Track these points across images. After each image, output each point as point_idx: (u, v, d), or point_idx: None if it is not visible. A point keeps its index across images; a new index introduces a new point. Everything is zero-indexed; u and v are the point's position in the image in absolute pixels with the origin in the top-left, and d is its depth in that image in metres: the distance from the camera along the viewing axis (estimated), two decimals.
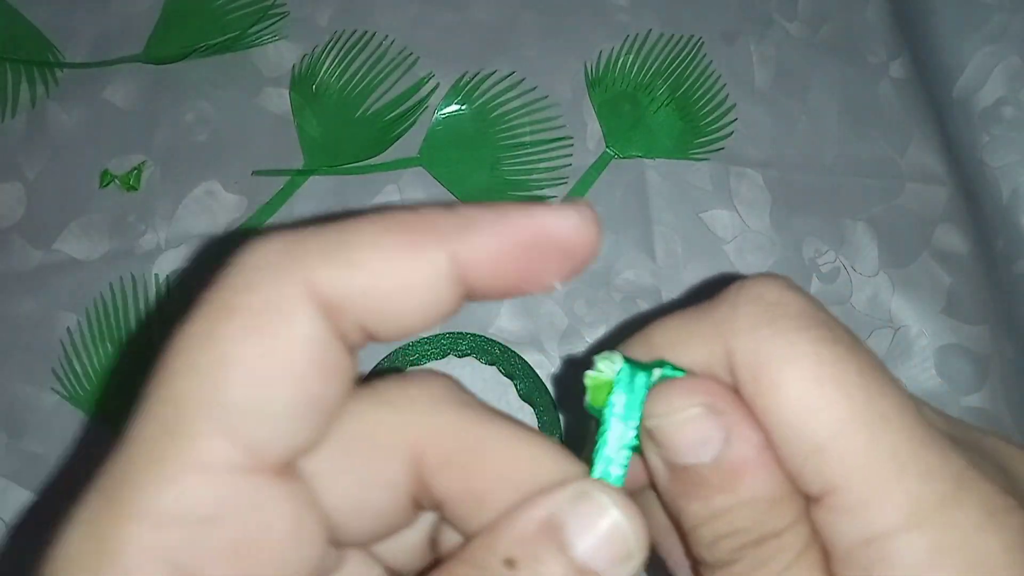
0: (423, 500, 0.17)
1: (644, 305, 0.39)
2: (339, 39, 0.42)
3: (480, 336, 0.37)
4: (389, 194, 0.40)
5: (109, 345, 0.37)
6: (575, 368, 0.38)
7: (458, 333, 0.37)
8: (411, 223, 0.16)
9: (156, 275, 0.39)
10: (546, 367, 0.38)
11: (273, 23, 0.42)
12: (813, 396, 0.16)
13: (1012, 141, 0.41)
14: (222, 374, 0.15)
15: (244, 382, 0.15)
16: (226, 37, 0.41)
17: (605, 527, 0.16)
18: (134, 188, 0.40)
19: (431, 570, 0.17)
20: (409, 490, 0.17)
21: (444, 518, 0.18)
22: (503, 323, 0.38)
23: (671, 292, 0.39)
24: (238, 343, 0.15)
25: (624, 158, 0.41)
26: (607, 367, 0.19)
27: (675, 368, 0.19)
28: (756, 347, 0.17)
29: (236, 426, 0.15)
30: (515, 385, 0.37)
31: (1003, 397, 0.38)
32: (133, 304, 0.38)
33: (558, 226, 0.16)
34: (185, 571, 0.14)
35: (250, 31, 0.42)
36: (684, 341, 0.18)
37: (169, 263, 0.39)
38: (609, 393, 0.19)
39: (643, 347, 0.19)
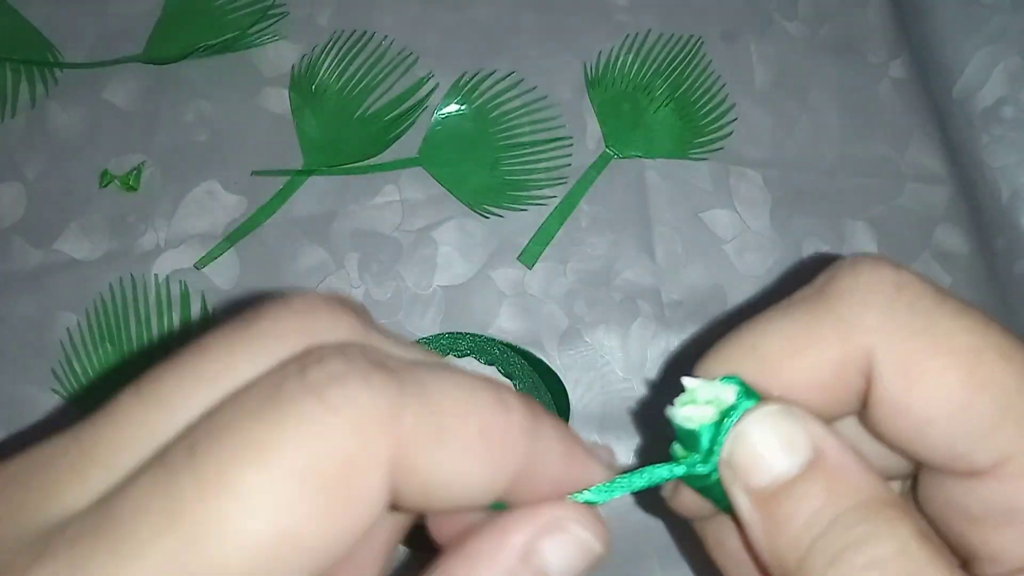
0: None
1: (644, 305, 0.39)
2: (338, 39, 0.42)
3: (480, 336, 0.37)
4: (388, 194, 0.40)
5: (109, 345, 0.37)
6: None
7: (458, 334, 0.37)
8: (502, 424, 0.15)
9: (156, 275, 0.39)
10: None
11: (273, 23, 0.43)
12: (981, 375, 0.16)
13: (1012, 141, 0.41)
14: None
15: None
16: (226, 37, 0.41)
17: (577, 554, 0.16)
18: (134, 188, 0.40)
19: None
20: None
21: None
22: (503, 323, 0.38)
23: (671, 292, 0.39)
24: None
25: (624, 158, 0.41)
26: (707, 394, 0.17)
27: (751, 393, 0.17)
28: (905, 339, 0.17)
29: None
30: (514, 385, 0.37)
31: None
32: (133, 304, 0.38)
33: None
34: None
35: (250, 31, 0.42)
36: (803, 345, 0.17)
37: (169, 263, 0.39)
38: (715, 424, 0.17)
39: (746, 358, 0.18)
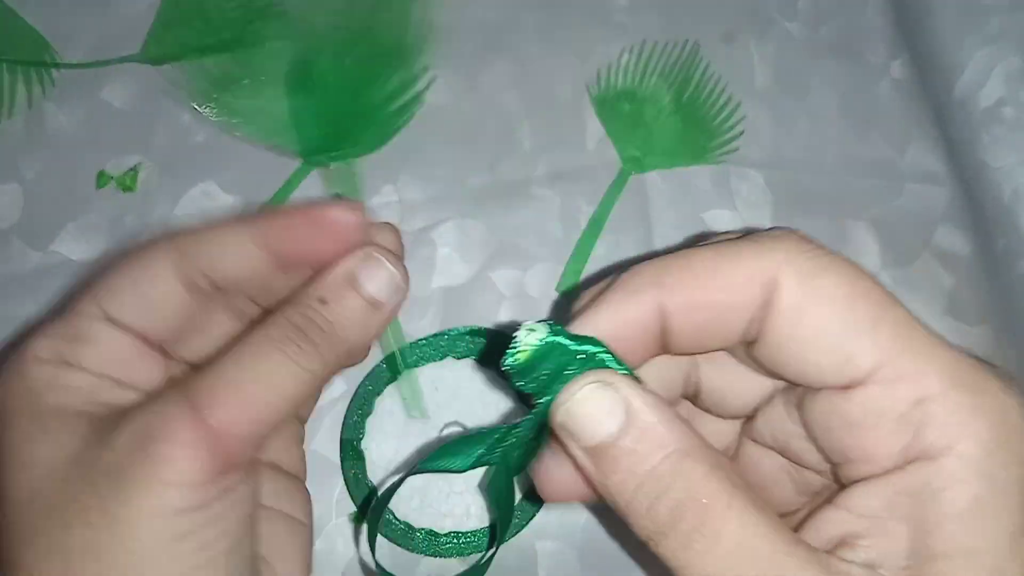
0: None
1: None
2: (335, 36, 0.42)
3: (477, 332, 0.37)
4: (387, 195, 0.40)
5: None
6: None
7: (457, 335, 0.37)
8: None
9: None
10: None
11: (271, 22, 0.42)
12: (861, 287, 0.21)
13: (1012, 141, 0.41)
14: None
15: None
16: (223, 37, 0.41)
17: (384, 274, 0.24)
18: (131, 189, 0.40)
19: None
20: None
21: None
22: (503, 322, 0.38)
23: None
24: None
25: (642, 172, 0.41)
26: (530, 337, 0.21)
27: (607, 353, 0.21)
28: (806, 261, 0.21)
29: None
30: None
31: None
32: None
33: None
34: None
35: (248, 30, 0.42)
36: (729, 264, 0.21)
37: None
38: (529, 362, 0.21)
39: (682, 273, 0.22)
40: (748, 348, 0.22)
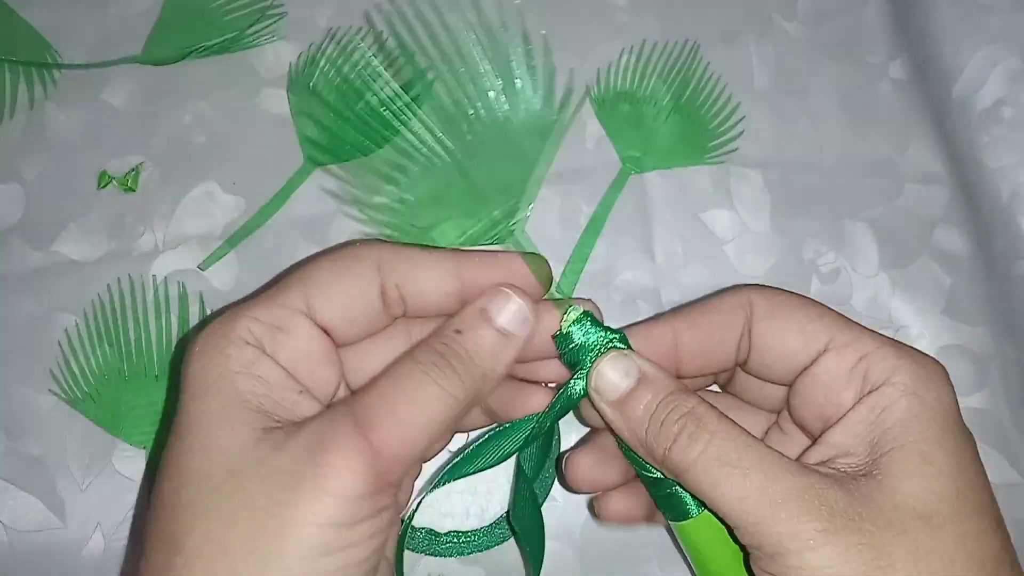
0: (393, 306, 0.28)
1: (644, 305, 0.39)
2: (335, 37, 0.42)
3: None
4: (388, 195, 0.40)
5: (107, 346, 0.37)
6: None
7: None
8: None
9: (154, 276, 0.38)
10: None
11: (271, 23, 0.42)
12: (807, 300, 0.28)
13: (1012, 142, 0.41)
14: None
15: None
16: (224, 38, 0.41)
17: (513, 307, 0.27)
18: (132, 189, 0.40)
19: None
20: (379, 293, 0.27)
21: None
22: None
23: (670, 293, 0.39)
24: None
25: (641, 172, 0.41)
26: (572, 314, 0.29)
27: (623, 339, 0.29)
28: (772, 296, 0.29)
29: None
30: None
31: (1003, 397, 0.38)
32: (131, 305, 0.38)
33: None
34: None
35: (248, 32, 0.42)
36: (718, 299, 0.29)
37: (167, 264, 0.39)
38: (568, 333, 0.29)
39: (690, 309, 0.29)
40: (742, 368, 0.30)
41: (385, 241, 0.28)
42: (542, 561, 0.32)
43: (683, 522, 0.28)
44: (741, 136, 0.41)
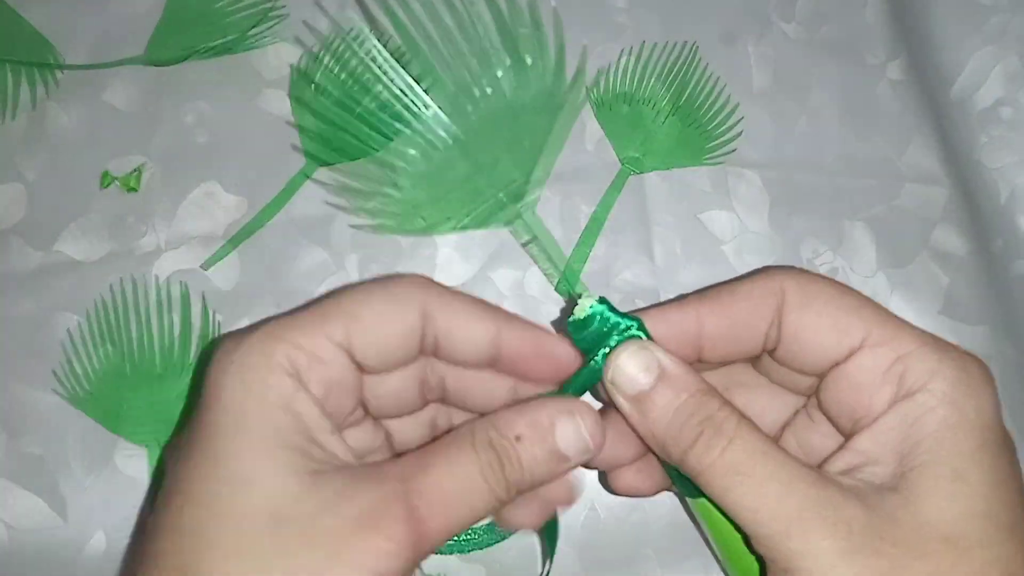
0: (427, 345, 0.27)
1: (643, 305, 0.39)
2: (336, 37, 0.42)
3: None
4: (388, 196, 0.40)
5: (109, 346, 0.37)
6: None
7: None
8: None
9: (156, 276, 0.39)
10: None
11: (273, 25, 0.43)
12: (844, 288, 0.27)
13: (1010, 142, 0.41)
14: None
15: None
16: (226, 39, 0.41)
17: (577, 436, 0.26)
18: (134, 189, 0.40)
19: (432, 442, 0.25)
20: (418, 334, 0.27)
21: (447, 402, 0.30)
22: None
23: (670, 293, 0.39)
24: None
25: (640, 173, 0.41)
26: (587, 301, 0.27)
27: (642, 328, 0.27)
28: (804, 281, 0.27)
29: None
30: None
31: (1002, 397, 0.38)
32: (133, 305, 0.38)
33: None
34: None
35: (250, 33, 0.42)
36: (749, 282, 0.28)
37: (169, 264, 0.39)
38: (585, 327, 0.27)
39: (718, 291, 0.28)
40: (770, 355, 0.28)
41: (431, 282, 0.27)
42: (556, 542, 0.33)
43: (700, 499, 0.27)
44: (740, 137, 0.41)
